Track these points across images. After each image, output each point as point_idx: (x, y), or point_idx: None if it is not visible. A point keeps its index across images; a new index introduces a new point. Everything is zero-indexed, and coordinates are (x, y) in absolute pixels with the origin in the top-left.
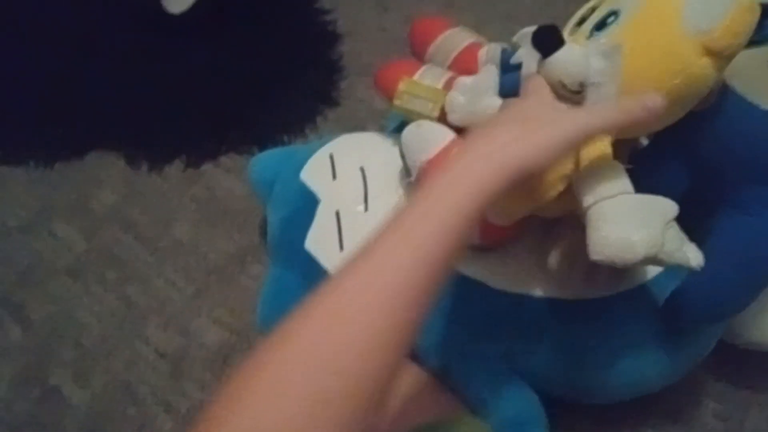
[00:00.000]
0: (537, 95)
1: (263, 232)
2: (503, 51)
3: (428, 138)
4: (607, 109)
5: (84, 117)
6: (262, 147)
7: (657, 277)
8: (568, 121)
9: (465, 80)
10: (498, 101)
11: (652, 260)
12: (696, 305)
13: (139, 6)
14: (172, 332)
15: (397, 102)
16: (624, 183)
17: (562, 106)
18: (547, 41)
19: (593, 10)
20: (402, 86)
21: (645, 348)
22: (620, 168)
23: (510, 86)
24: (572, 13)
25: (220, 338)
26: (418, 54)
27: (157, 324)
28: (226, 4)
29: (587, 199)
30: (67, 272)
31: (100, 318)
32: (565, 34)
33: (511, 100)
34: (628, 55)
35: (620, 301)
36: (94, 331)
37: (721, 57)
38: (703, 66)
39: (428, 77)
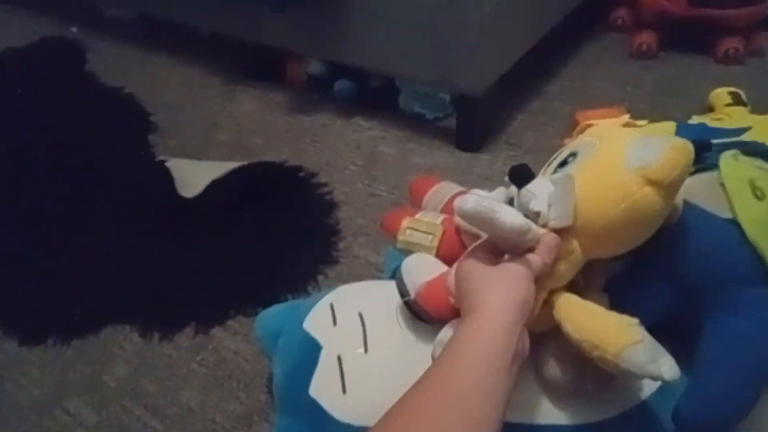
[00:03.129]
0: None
1: (270, 392)
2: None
3: (428, 264)
4: (532, 257)
5: (101, 293)
6: (268, 307)
7: (653, 395)
8: (516, 270)
9: (479, 192)
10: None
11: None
12: (697, 415)
13: (153, 190)
14: None
15: (400, 237)
16: None
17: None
18: (520, 176)
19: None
20: (405, 223)
21: None
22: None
23: None
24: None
25: None
26: (416, 204)
27: None
28: (234, 185)
29: None
30: None
31: None
32: (540, 173)
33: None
34: (582, 186)
35: (621, 422)
36: None
37: (663, 186)
38: (646, 194)
39: (427, 217)
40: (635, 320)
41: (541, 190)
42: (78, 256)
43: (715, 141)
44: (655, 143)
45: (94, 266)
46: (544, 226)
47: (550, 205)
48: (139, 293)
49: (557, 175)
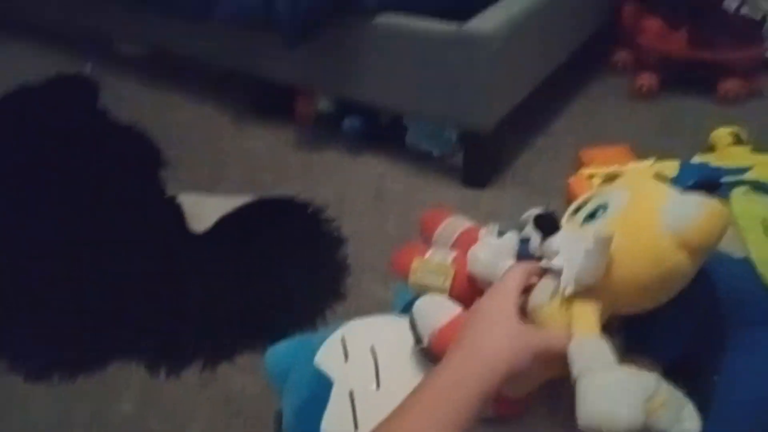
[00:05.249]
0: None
1: (278, 428)
2: (499, 231)
3: (441, 308)
4: (557, 335)
5: (108, 328)
6: (276, 342)
7: None
8: (536, 337)
9: (490, 240)
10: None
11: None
12: None
13: (163, 224)
14: None
15: (412, 278)
16: (608, 357)
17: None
18: (547, 225)
19: (587, 201)
20: (416, 264)
21: None
22: (605, 343)
23: (524, 254)
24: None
25: None
26: (426, 238)
27: None
28: (243, 220)
29: (575, 371)
30: None
31: None
32: (563, 220)
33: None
34: (613, 245)
35: None
36: None
37: (697, 252)
38: (680, 260)
39: (437, 256)
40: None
41: (566, 244)
42: (86, 291)
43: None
44: (692, 205)
45: (102, 301)
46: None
47: (576, 262)
48: (147, 328)
49: (594, 228)
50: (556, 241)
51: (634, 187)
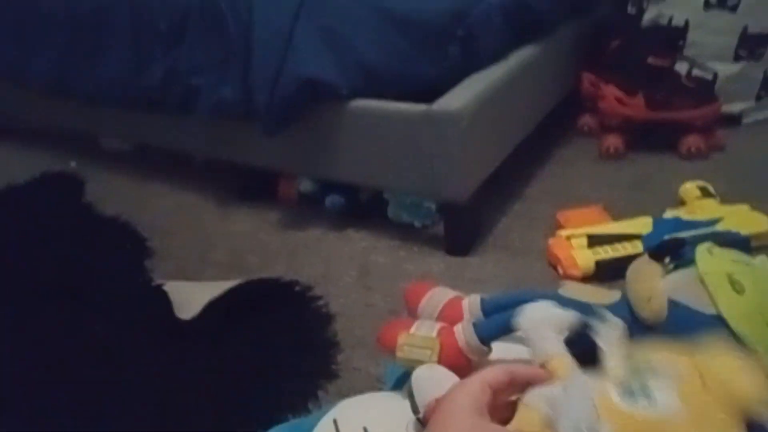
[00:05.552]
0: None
1: None
2: (482, 300)
3: (438, 379)
4: None
5: (95, 427)
6: (268, 427)
7: None
8: None
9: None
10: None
11: None
12: None
13: (151, 315)
14: None
15: (399, 354)
16: None
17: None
18: (584, 354)
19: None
20: (401, 339)
21: None
22: None
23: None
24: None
25: None
26: (411, 311)
27: None
28: (230, 305)
29: None
30: None
31: None
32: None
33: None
34: None
35: None
36: None
37: None
38: None
39: (423, 329)
40: None
41: (571, 397)
42: (72, 388)
43: (690, 233)
44: None
45: (88, 397)
46: None
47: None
48: (136, 424)
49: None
50: (571, 380)
51: (690, 387)
